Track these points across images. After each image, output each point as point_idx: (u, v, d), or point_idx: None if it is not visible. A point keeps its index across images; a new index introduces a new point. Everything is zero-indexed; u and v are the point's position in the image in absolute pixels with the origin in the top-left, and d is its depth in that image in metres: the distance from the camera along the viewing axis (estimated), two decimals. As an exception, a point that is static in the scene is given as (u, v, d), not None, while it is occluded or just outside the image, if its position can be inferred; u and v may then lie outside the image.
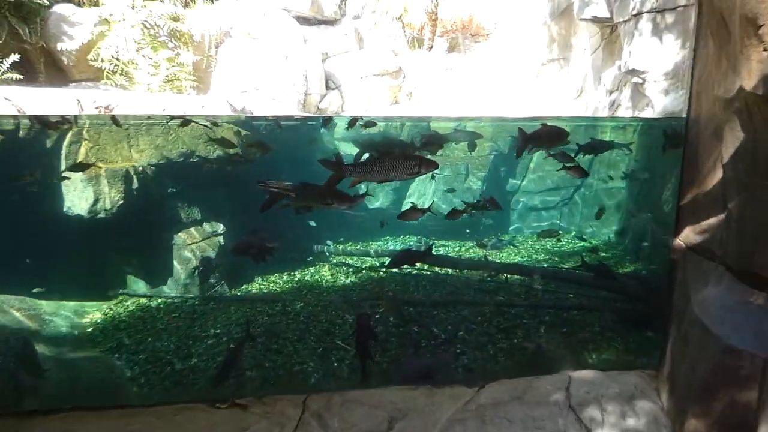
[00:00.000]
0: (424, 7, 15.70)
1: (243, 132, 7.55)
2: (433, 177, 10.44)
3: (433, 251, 6.73)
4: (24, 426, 3.30)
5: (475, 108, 12.82)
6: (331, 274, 7.88)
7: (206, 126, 6.71)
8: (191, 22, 11.98)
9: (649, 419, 3.01)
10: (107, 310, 6.36)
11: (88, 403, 3.59)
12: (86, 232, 6.14)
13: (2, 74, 10.10)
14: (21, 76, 10.30)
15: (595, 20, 9.14)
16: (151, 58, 11.47)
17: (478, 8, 16.05)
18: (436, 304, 6.22)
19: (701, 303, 2.75)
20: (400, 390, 3.36)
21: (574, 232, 10.22)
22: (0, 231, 5.66)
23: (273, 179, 3.90)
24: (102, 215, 6.12)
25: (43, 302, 6.01)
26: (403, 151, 3.99)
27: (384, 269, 6.98)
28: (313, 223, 9.44)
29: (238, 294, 7.07)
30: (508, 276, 6.74)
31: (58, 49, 11.36)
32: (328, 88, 13.29)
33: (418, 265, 7.06)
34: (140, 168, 6.49)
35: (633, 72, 7.49)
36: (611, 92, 9.24)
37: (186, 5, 12.36)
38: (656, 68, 6.89)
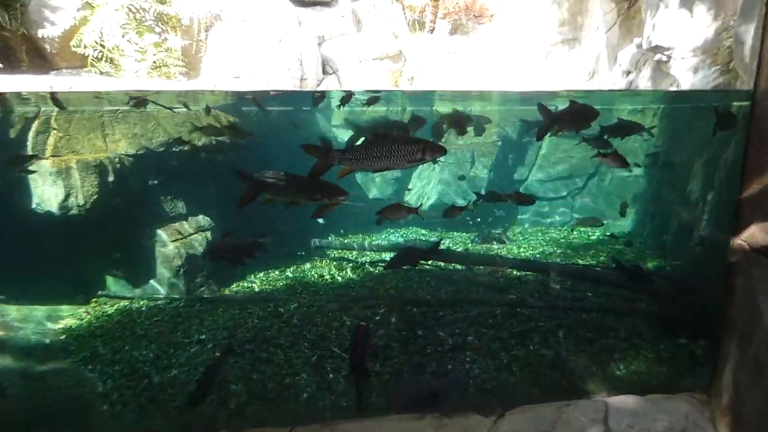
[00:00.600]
0: (426, -12, 14.98)
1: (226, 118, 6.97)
2: (435, 163, 9.81)
3: (439, 248, 6.14)
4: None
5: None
6: (328, 271, 7.34)
7: (169, 108, 6.07)
8: (178, 4, 11.33)
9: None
10: (83, 315, 5.84)
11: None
12: (58, 229, 5.60)
13: (-18, 62, 9.54)
14: (0, 65, 9.74)
15: (611, -6, 8.45)
16: (137, 44, 10.86)
17: (482, -12, 15.31)
18: (442, 304, 5.68)
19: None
20: (403, 420, 2.82)
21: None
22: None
23: (268, 170, 3.33)
24: (74, 211, 5.58)
25: (12, 308, 5.50)
26: (402, 134, 3.41)
27: (384, 269, 6.32)
28: (320, 221, 8.85)
29: (229, 293, 6.55)
30: (527, 272, 6.16)
31: (40, 36, 10.76)
32: (324, 72, 12.66)
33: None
34: (116, 159, 5.93)
35: (656, 49, 6.83)
36: (628, 73, 8.58)
37: (173, -13, 11.68)
38: (684, 43, 6.24)
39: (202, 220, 6.97)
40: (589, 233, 9.42)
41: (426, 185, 10.30)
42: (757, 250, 2.50)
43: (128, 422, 3.99)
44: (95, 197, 5.69)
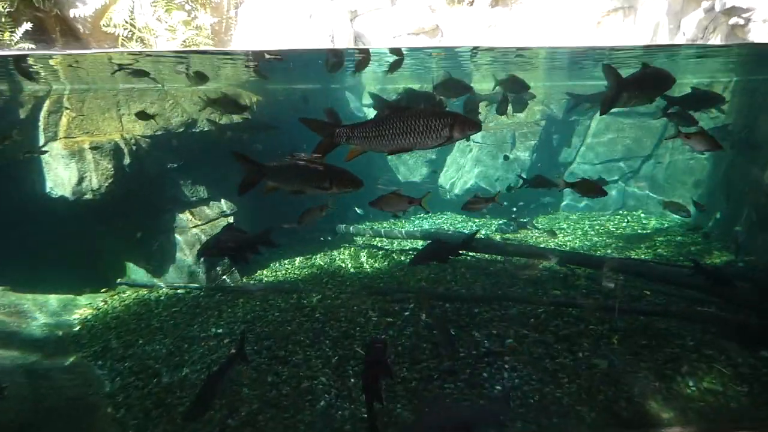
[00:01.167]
0: (465, -43, 14.05)
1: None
2: (468, 140, 9.06)
3: (472, 241, 5.52)
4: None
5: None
6: (354, 260, 6.89)
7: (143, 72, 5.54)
8: (208, -20, 10.97)
9: None
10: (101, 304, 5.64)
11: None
12: (73, 215, 5.37)
13: (15, 44, 9.53)
14: (33, 46, 9.71)
15: (676, -48, 7.45)
16: (166, 22, 10.61)
17: (527, -45, 14.23)
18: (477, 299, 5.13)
19: None
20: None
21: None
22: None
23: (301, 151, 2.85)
24: (89, 196, 5.31)
25: (29, 296, 5.35)
26: (428, 107, 2.84)
27: (410, 265, 5.69)
28: (360, 211, 8.38)
29: (251, 283, 6.21)
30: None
31: (72, 15, 10.69)
32: (357, 49, 12.09)
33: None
34: (132, 140, 5.62)
35: (731, 11, 5.92)
36: (693, 41, 7.60)
37: (202, -38, 11.34)
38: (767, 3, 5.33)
39: (225, 204, 6.65)
40: (644, 222, 8.57)
41: (462, 168, 9.62)
42: None
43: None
44: (110, 181, 5.41)
